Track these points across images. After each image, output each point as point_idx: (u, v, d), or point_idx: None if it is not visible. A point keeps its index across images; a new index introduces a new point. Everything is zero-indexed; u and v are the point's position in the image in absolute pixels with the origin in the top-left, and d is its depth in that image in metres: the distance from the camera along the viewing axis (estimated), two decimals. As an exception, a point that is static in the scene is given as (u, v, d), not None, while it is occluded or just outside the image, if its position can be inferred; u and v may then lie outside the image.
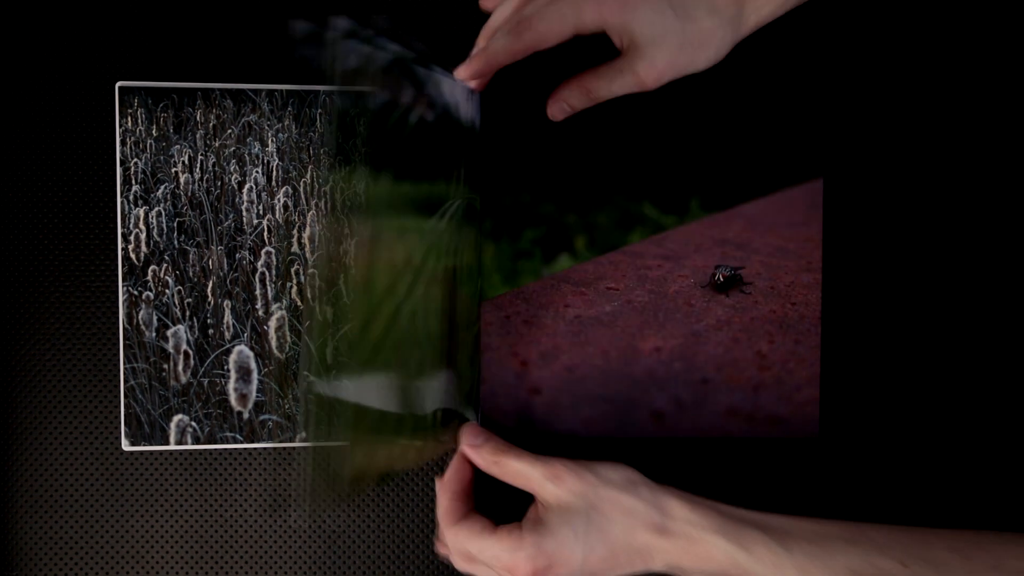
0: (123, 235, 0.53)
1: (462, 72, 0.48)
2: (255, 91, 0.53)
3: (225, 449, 0.54)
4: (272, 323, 0.53)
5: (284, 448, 0.54)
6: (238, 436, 0.53)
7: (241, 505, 0.55)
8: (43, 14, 0.54)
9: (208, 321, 0.53)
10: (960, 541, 0.45)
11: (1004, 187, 0.55)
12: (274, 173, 0.53)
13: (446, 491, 0.49)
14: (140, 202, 0.53)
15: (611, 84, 0.47)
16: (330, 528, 0.55)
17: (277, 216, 0.53)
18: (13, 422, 0.54)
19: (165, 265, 0.53)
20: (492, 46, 0.46)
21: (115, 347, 0.54)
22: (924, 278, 0.55)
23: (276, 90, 0.52)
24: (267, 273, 0.53)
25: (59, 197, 0.54)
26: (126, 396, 0.53)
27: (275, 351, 0.53)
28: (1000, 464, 0.55)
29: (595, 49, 0.48)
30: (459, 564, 0.49)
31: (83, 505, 0.54)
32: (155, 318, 0.53)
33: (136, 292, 0.53)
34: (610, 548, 0.45)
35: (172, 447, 0.53)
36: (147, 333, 0.53)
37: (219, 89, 0.53)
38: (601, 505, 0.45)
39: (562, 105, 0.49)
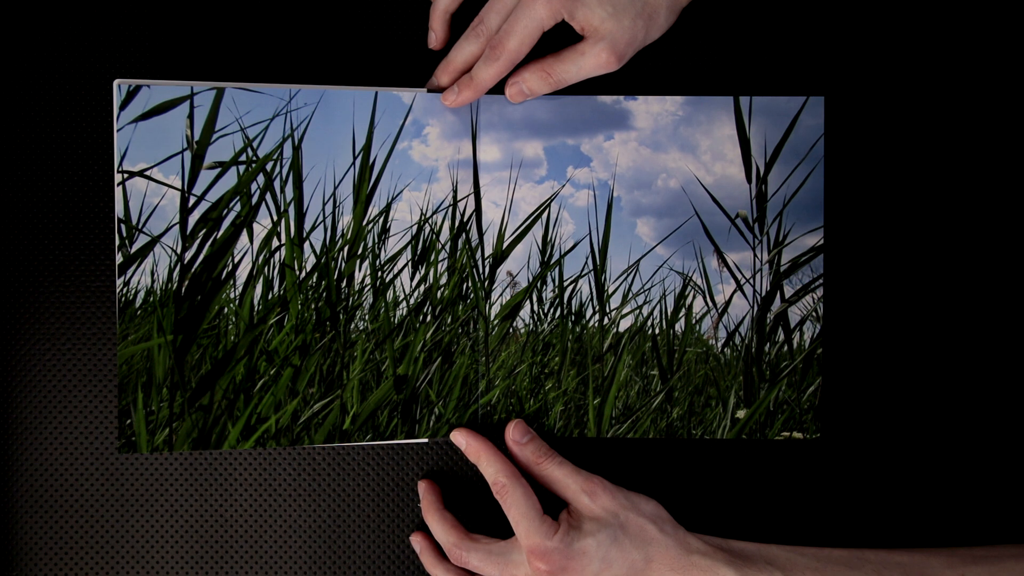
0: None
1: (452, 102, 0.52)
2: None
3: (223, 450, 0.54)
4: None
5: (283, 450, 0.54)
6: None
7: (240, 505, 0.54)
8: (40, 11, 0.54)
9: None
10: (956, 557, 0.47)
11: (1007, 189, 0.55)
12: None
13: (435, 514, 0.52)
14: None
15: (574, 67, 0.50)
16: (329, 528, 0.55)
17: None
18: (12, 423, 0.54)
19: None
20: (478, 76, 0.50)
21: (114, 347, 0.54)
22: (926, 280, 0.55)
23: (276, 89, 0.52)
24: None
25: (57, 196, 0.54)
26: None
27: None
28: (1001, 465, 0.55)
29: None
30: None
31: (83, 506, 0.54)
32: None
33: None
34: (626, 569, 0.47)
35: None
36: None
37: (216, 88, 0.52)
38: (629, 527, 0.48)
39: (521, 87, 0.51)
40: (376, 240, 0.53)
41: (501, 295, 0.54)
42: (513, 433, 0.52)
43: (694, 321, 0.55)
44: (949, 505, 0.55)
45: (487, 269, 0.54)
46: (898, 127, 0.55)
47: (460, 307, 0.54)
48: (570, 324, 0.54)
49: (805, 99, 0.54)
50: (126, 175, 0.50)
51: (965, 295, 0.55)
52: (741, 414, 0.54)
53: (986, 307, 0.55)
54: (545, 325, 0.54)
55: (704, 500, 0.55)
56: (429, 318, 0.54)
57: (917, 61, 0.55)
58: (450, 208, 0.54)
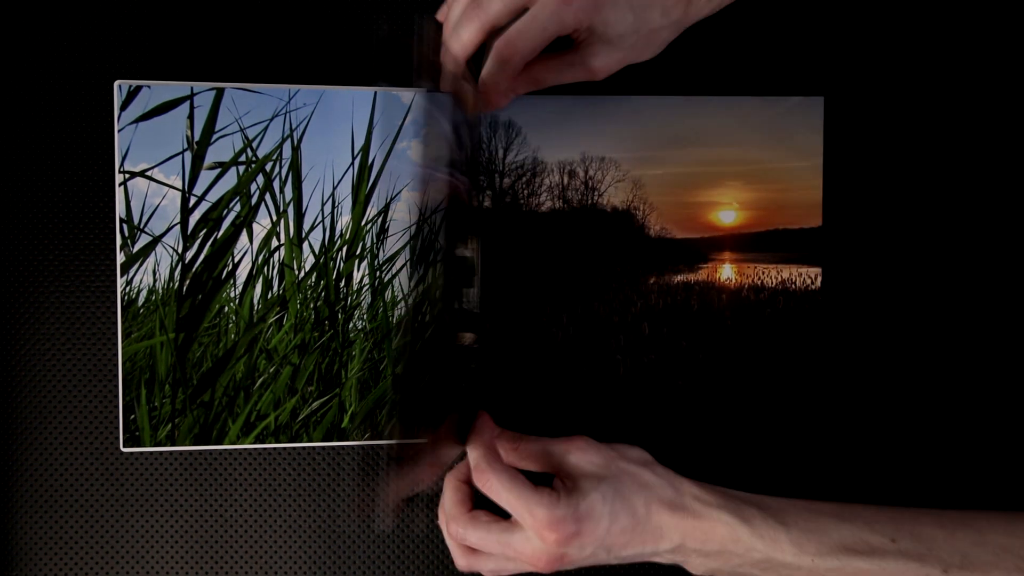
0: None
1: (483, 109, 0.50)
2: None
3: (224, 449, 0.54)
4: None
5: (284, 448, 0.54)
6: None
7: (240, 505, 0.55)
8: (41, 12, 0.54)
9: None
10: (946, 518, 0.47)
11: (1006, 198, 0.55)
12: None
13: (453, 481, 0.50)
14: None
15: (561, 75, 0.49)
16: (330, 528, 0.55)
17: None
18: (13, 422, 0.54)
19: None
20: (491, 79, 0.47)
21: (115, 347, 0.54)
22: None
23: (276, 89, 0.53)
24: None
25: (58, 196, 0.54)
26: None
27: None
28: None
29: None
30: (460, 561, 0.49)
31: (83, 505, 0.54)
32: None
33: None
34: (631, 520, 0.46)
35: (171, 448, 0.53)
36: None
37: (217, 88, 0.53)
38: (623, 476, 0.47)
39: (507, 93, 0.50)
40: (375, 240, 0.54)
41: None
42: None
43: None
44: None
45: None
46: (896, 131, 0.55)
47: (459, 307, 0.54)
48: None
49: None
50: (127, 175, 0.50)
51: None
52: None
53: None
54: None
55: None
56: (427, 318, 0.54)
57: (922, 60, 0.55)
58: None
